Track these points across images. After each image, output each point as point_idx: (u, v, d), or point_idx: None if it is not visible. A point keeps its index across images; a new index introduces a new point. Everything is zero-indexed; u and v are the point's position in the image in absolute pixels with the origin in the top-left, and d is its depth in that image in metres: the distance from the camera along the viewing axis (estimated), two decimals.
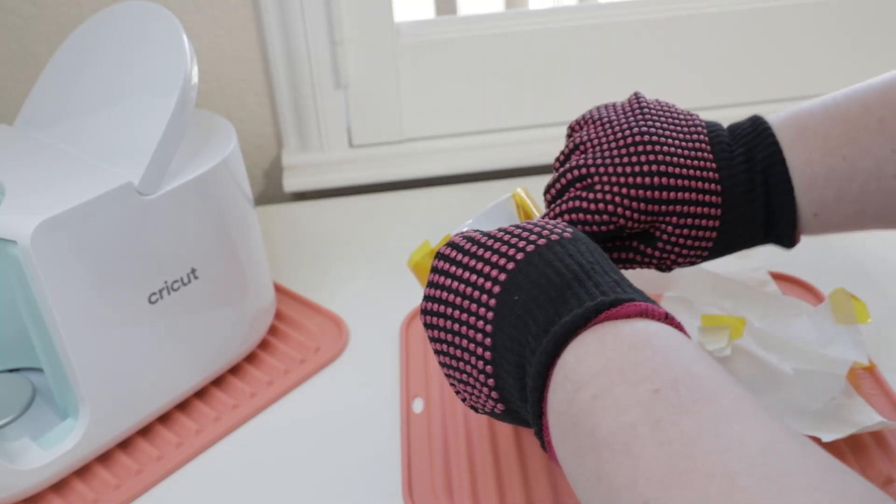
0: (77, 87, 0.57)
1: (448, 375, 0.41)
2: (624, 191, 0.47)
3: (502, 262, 0.38)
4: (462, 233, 0.43)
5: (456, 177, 0.88)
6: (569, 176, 0.49)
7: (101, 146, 0.53)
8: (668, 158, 0.47)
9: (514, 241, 0.39)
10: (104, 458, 0.55)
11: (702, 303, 0.61)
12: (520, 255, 0.38)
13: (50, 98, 0.58)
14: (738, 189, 0.47)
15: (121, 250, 0.50)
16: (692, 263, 0.50)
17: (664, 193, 0.46)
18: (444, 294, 0.40)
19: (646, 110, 0.49)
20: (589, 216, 0.47)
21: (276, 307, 0.66)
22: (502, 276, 0.38)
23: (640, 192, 0.46)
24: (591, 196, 0.47)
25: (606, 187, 0.47)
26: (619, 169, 0.47)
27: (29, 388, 0.58)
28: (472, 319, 0.38)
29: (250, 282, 0.60)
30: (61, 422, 0.54)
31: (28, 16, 0.77)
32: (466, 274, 0.39)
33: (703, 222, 0.47)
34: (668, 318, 0.35)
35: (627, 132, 0.48)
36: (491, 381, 0.38)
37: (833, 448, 0.51)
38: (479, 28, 0.84)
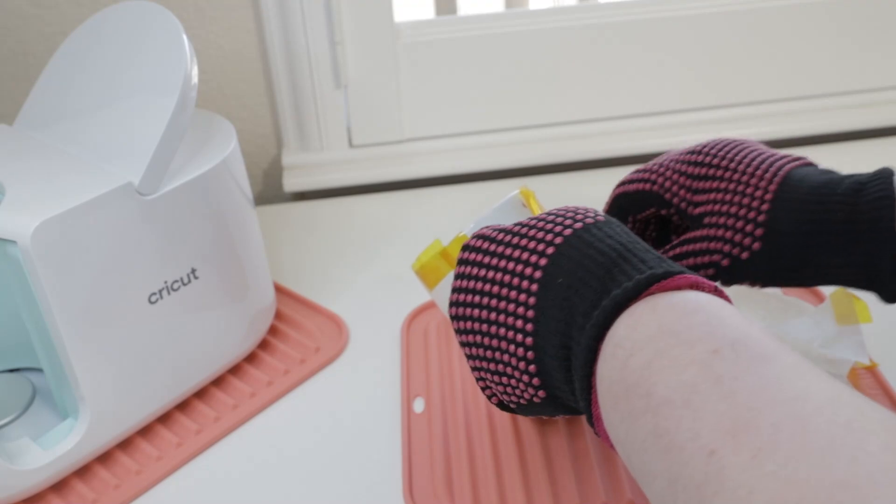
0: (77, 87, 0.57)
1: (478, 369, 0.41)
2: (669, 163, 0.50)
3: (541, 247, 0.38)
4: (490, 226, 0.43)
5: (456, 177, 0.88)
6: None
7: (101, 146, 0.53)
8: (723, 151, 0.49)
9: (549, 226, 0.39)
10: (104, 458, 0.55)
11: None
12: (558, 240, 0.38)
13: (50, 98, 0.58)
14: (808, 205, 0.45)
15: (121, 250, 0.50)
16: (738, 267, 0.48)
17: (709, 170, 0.48)
18: (478, 284, 0.40)
19: None
20: (636, 175, 0.51)
21: (276, 307, 0.66)
22: (543, 261, 0.38)
23: (686, 167, 0.49)
24: (645, 166, 0.51)
25: (659, 160, 0.51)
26: (674, 155, 0.51)
27: (29, 388, 0.58)
28: (512, 307, 0.38)
29: (250, 282, 0.60)
30: (61, 422, 0.54)
31: (28, 16, 0.77)
32: (503, 262, 0.39)
33: (747, 202, 0.47)
34: (717, 291, 0.35)
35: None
36: (532, 368, 0.38)
37: None
38: (479, 28, 0.84)
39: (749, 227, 0.46)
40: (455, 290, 0.41)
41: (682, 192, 0.49)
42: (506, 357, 0.39)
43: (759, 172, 0.47)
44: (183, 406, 0.59)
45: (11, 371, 0.60)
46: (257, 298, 0.62)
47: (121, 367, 0.53)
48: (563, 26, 0.84)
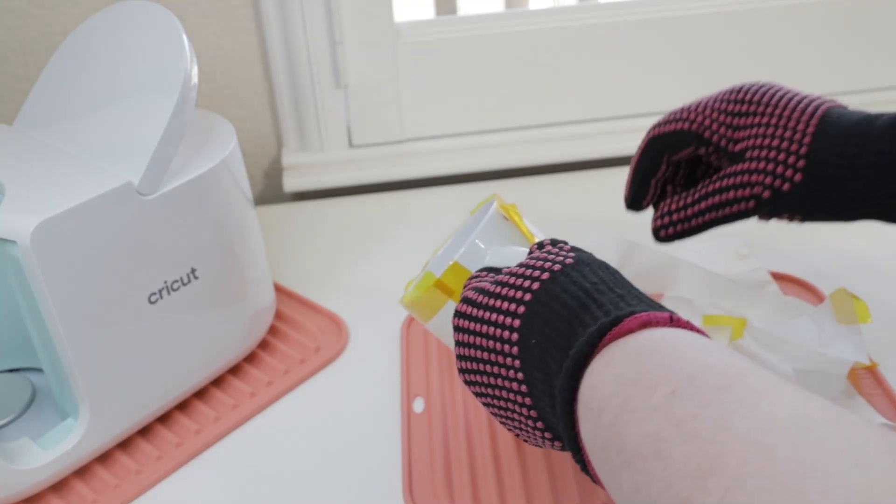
0: (77, 87, 0.57)
1: (503, 423, 0.42)
2: (708, 102, 0.51)
3: (513, 307, 0.39)
4: (476, 279, 0.43)
5: (456, 177, 0.88)
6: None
7: (101, 146, 0.53)
8: (763, 89, 0.50)
9: (519, 282, 0.39)
10: (104, 458, 0.55)
11: (702, 303, 0.61)
12: (528, 296, 0.38)
13: (50, 98, 0.58)
14: (845, 139, 0.46)
15: (121, 250, 0.50)
16: (780, 199, 0.48)
17: (750, 107, 0.49)
18: (472, 351, 0.41)
19: None
20: (673, 115, 0.52)
21: (275, 307, 0.66)
22: (517, 322, 0.38)
23: (726, 105, 0.50)
24: (681, 108, 0.52)
25: (694, 103, 0.52)
26: (711, 97, 0.51)
27: (29, 388, 0.58)
28: (504, 371, 0.39)
29: (250, 282, 0.60)
30: (61, 422, 0.54)
31: (28, 16, 0.77)
32: (485, 328, 0.40)
33: (789, 135, 0.47)
34: (673, 322, 0.34)
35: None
36: (540, 424, 0.39)
37: None
38: (479, 28, 0.84)
39: (791, 160, 0.47)
40: (458, 356, 0.42)
41: (721, 129, 0.50)
42: (515, 416, 0.40)
43: (800, 107, 0.48)
44: (183, 406, 0.59)
45: (11, 371, 0.60)
46: (257, 298, 0.62)
47: (121, 367, 0.53)
48: (563, 26, 0.84)
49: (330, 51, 0.81)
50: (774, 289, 0.64)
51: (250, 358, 0.63)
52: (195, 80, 0.52)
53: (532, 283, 0.38)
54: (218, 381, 0.61)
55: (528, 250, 0.45)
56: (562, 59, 0.86)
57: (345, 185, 0.87)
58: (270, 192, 0.91)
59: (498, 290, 0.40)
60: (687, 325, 0.34)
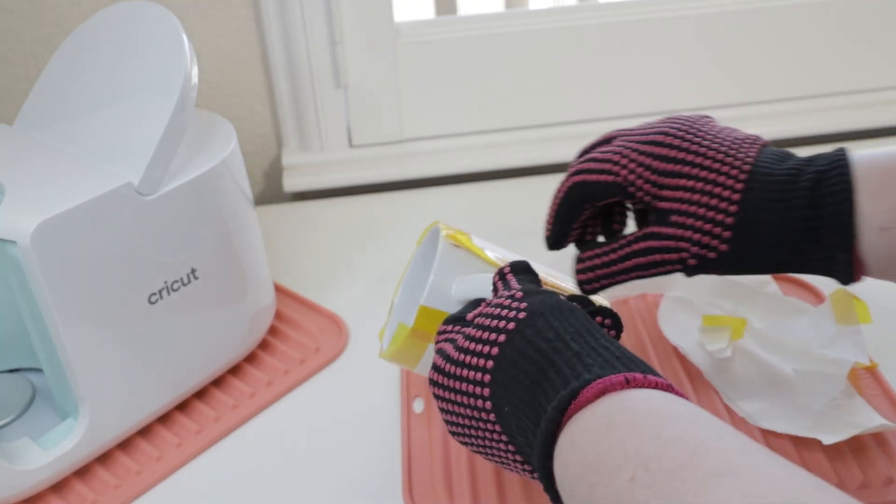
0: (77, 87, 0.57)
1: (497, 465, 0.42)
2: (632, 153, 0.48)
3: (479, 375, 0.39)
4: (439, 341, 0.44)
5: (456, 177, 0.88)
6: (595, 141, 0.51)
7: (101, 146, 0.53)
8: (689, 138, 0.48)
9: (479, 347, 0.39)
10: (104, 458, 0.55)
11: (702, 303, 0.61)
12: (490, 364, 0.39)
13: (50, 98, 0.58)
14: (774, 188, 0.45)
15: (120, 250, 0.50)
16: (705, 265, 0.47)
17: (675, 166, 0.47)
18: (456, 417, 0.41)
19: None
20: (594, 165, 0.49)
21: (275, 307, 0.66)
22: (486, 391, 0.39)
23: (651, 160, 0.47)
24: (603, 149, 0.50)
25: (621, 141, 0.49)
26: (638, 133, 0.49)
27: (29, 388, 0.58)
28: (489, 434, 0.40)
29: (250, 282, 0.60)
30: (61, 422, 0.54)
31: (28, 16, 0.77)
32: (460, 398, 0.40)
33: (714, 202, 0.46)
34: (630, 382, 0.34)
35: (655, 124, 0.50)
36: (527, 467, 0.39)
37: (834, 448, 0.51)
38: (479, 28, 0.84)
39: (717, 230, 0.46)
40: (444, 420, 0.43)
41: (647, 185, 0.48)
42: (508, 464, 0.40)
43: (725, 168, 0.46)
44: (183, 406, 0.59)
45: (11, 371, 0.60)
46: (257, 298, 0.62)
47: (121, 367, 0.53)
48: (563, 26, 0.84)
49: (330, 51, 0.81)
50: (774, 289, 0.64)
51: (250, 358, 0.63)
52: (195, 80, 0.52)
53: (491, 349, 0.39)
54: (218, 381, 0.61)
55: (491, 276, 0.45)
56: (562, 59, 0.86)
57: (345, 185, 0.87)
58: (270, 192, 0.91)
59: (461, 357, 0.40)
60: (643, 383, 0.34)
